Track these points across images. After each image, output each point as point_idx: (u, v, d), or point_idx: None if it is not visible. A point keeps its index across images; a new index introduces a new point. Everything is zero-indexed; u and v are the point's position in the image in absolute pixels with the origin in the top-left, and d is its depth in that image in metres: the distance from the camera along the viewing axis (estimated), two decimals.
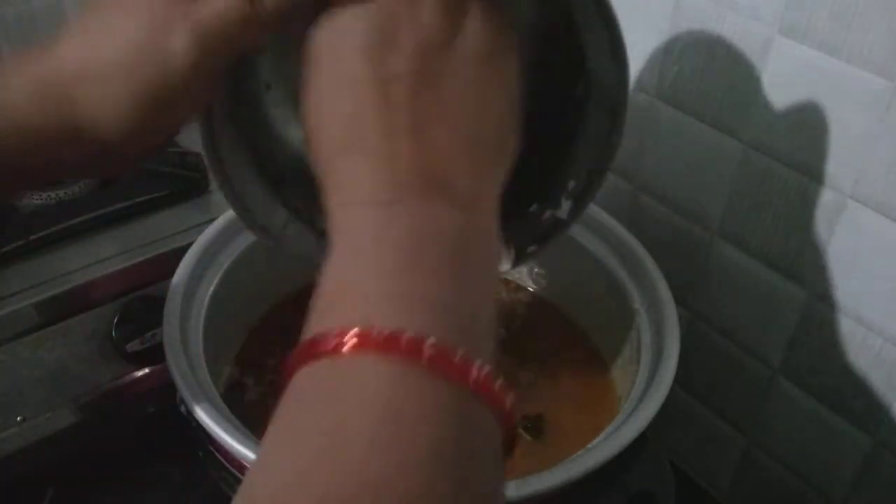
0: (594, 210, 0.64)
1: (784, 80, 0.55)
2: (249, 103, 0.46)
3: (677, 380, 0.51)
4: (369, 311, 0.27)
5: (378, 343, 0.26)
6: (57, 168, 0.39)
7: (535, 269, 0.69)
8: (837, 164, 0.54)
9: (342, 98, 0.33)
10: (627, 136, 0.68)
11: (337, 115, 0.33)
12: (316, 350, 0.26)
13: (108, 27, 0.35)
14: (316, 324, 0.28)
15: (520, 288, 0.70)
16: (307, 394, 0.26)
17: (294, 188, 0.48)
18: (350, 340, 0.26)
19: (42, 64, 0.35)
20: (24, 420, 0.58)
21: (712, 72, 0.59)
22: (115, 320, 0.60)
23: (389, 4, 0.33)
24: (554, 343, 0.65)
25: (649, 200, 0.68)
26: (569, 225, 0.46)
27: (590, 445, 0.48)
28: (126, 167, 0.40)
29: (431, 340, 0.26)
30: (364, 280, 0.29)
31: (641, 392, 0.51)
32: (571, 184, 0.46)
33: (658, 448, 0.53)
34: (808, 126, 0.55)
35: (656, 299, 0.57)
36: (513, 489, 0.44)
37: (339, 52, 0.33)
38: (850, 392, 0.59)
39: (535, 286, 0.69)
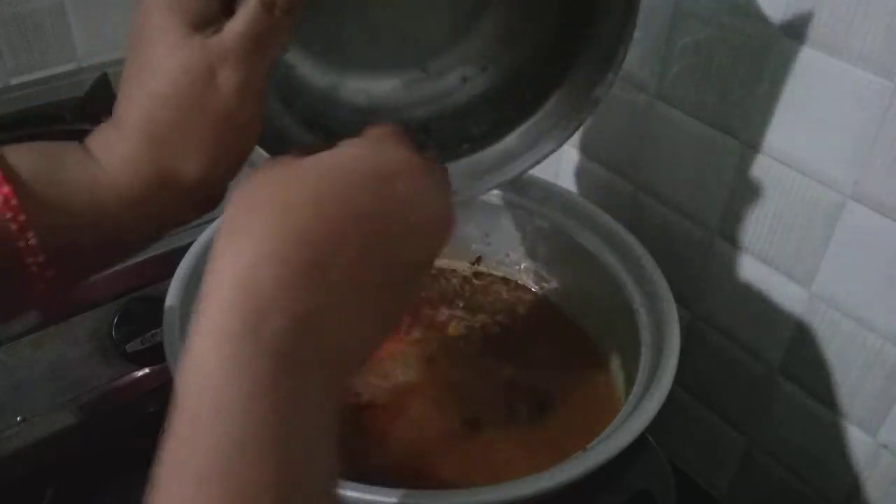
0: (594, 210, 0.64)
1: (784, 79, 0.55)
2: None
3: (677, 380, 0.51)
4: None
5: None
6: (157, 235, 0.40)
7: (535, 269, 0.69)
8: (837, 164, 0.54)
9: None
10: (627, 137, 0.69)
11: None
12: None
13: (159, 83, 0.36)
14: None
15: (520, 288, 0.70)
16: None
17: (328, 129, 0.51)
18: None
19: (121, 137, 0.37)
20: (24, 420, 0.58)
21: (712, 72, 0.59)
22: (115, 320, 0.60)
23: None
24: (553, 343, 0.65)
25: (649, 200, 0.68)
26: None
27: (590, 445, 0.48)
28: (209, 208, 0.41)
29: None
30: (190, 458, 0.29)
31: (641, 392, 0.51)
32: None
33: (658, 448, 0.53)
34: (808, 126, 0.55)
35: (656, 299, 0.57)
36: (513, 489, 0.44)
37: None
38: (850, 392, 0.59)
39: (535, 286, 0.69)
